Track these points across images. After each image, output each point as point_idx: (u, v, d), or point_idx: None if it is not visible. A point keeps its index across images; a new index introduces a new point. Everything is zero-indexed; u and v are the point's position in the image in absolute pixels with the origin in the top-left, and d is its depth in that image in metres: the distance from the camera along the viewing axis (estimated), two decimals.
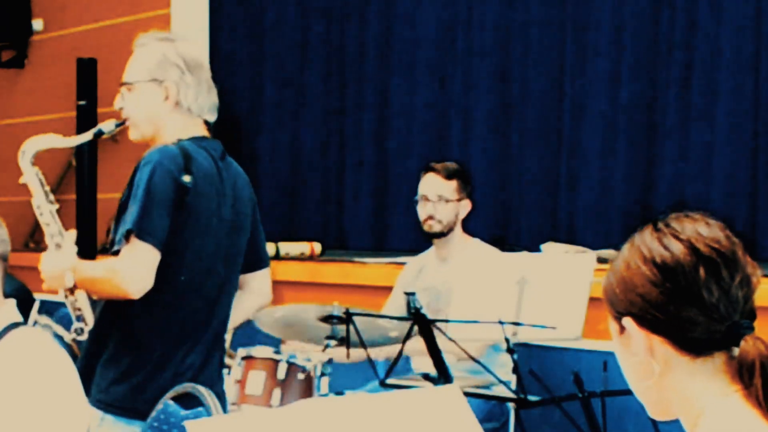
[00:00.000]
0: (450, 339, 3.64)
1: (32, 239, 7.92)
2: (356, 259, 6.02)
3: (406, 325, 3.71)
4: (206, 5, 7.60)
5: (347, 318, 3.81)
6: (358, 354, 4.12)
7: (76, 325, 3.38)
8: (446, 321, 3.86)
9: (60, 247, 3.31)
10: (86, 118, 6.96)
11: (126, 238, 3.12)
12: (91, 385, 3.22)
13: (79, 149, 7.02)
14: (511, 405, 4.02)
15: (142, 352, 3.23)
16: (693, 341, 1.65)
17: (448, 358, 3.76)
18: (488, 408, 4.41)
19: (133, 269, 3.13)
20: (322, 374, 4.08)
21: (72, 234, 3.32)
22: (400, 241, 6.57)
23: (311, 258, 6.34)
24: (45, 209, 3.38)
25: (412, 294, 3.71)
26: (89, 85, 7.21)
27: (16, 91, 8.77)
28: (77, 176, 7.38)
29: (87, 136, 3.53)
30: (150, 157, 3.20)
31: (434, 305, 4.52)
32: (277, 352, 4.19)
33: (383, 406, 1.85)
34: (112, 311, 3.25)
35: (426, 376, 3.76)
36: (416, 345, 3.97)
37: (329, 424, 1.78)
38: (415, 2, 6.68)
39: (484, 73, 6.36)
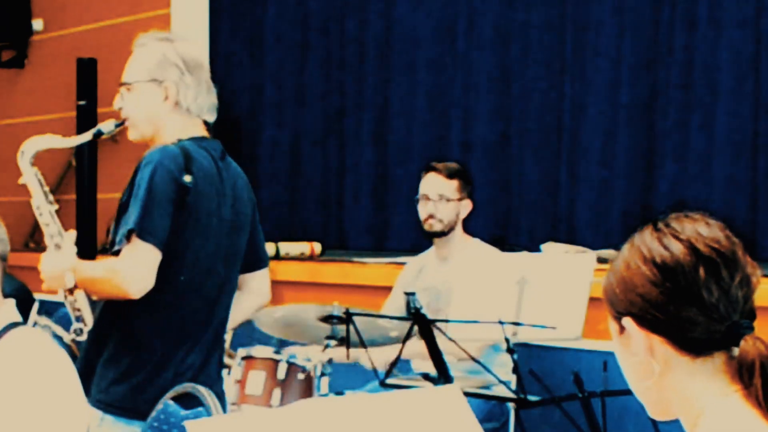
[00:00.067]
0: (450, 339, 3.64)
1: (32, 239, 7.92)
2: (356, 259, 6.02)
3: (406, 325, 3.71)
4: (206, 5, 7.60)
5: (347, 318, 3.81)
6: (357, 355, 4.12)
7: (75, 325, 3.37)
8: (446, 321, 3.86)
9: (59, 248, 3.31)
10: (86, 118, 6.96)
11: (127, 238, 3.12)
12: (91, 385, 3.22)
13: (79, 149, 7.02)
14: (511, 405, 4.02)
15: (142, 352, 3.23)
16: (693, 341, 1.65)
17: (448, 359, 3.76)
18: (488, 408, 4.41)
19: (134, 269, 3.13)
20: (322, 374, 4.07)
21: (72, 234, 3.32)
22: (400, 241, 6.57)
23: (311, 258, 6.34)
24: (44, 210, 3.38)
25: (413, 294, 3.70)
26: (89, 85, 7.21)
27: (16, 91, 8.77)
28: (77, 176, 7.38)
29: (86, 136, 3.53)
30: (151, 157, 3.20)
31: (434, 305, 4.52)
32: (277, 352, 4.19)
33: (383, 406, 1.85)
34: (112, 311, 3.24)
35: (426, 376, 3.76)
36: (416, 348, 3.97)
37: (329, 424, 1.78)
38: (415, 2, 6.68)
39: (484, 72, 6.36)
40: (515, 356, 3.62)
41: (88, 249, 6.49)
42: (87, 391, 3.06)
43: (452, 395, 1.91)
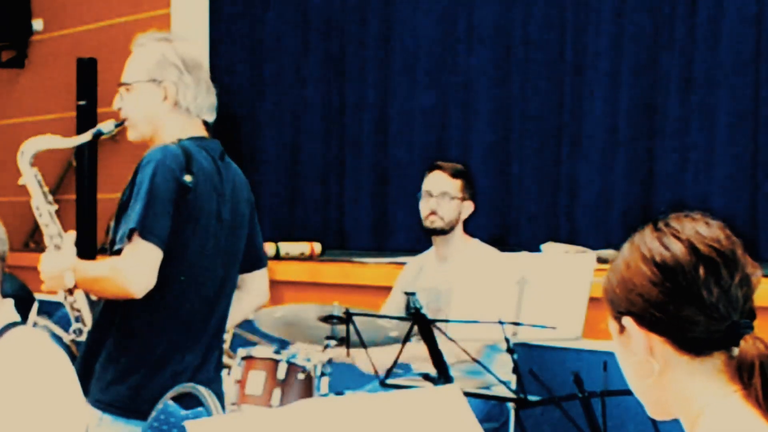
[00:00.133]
0: (450, 339, 3.64)
1: (32, 239, 7.93)
2: (356, 259, 6.02)
3: (406, 325, 3.70)
4: (206, 5, 7.60)
5: (347, 318, 3.81)
6: (356, 357, 4.13)
7: (74, 325, 3.37)
8: (446, 321, 3.86)
9: (59, 248, 3.31)
10: (86, 118, 6.96)
11: (128, 237, 3.12)
12: (90, 385, 3.22)
13: (79, 149, 7.02)
14: (511, 405, 4.01)
15: (141, 351, 3.23)
16: (693, 341, 1.65)
17: (447, 360, 3.75)
18: (488, 408, 4.41)
19: (136, 268, 3.13)
20: (322, 374, 4.08)
21: (72, 235, 3.31)
22: (400, 241, 6.57)
23: (311, 258, 6.34)
24: (44, 210, 3.38)
25: (413, 294, 3.70)
26: (89, 85, 7.21)
27: (16, 91, 8.77)
28: (77, 176, 7.38)
29: (86, 136, 3.53)
30: (152, 156, 3.20)
31: (434, 305, 4.52)
32: (277, 352, 4.19)
33: (383, 406, 1.84)
34: (111, 311, 3.24)
35: (426, 376, 3.75)
36: (416, 351, 3.97)
37: (329, 424, 1.78)
38: (416, 2, 6.68)
39: (483, 73, 6.36)
40: (515, 356, 3.62)
41: (88, 249, 6.49)
42: (86, 391, 3.06)
43: (452, 395, 1.91)
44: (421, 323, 3.64)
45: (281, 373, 4.09)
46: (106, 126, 3.44)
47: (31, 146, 3.41)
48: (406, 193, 5.99)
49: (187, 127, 3.33)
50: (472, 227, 4.87)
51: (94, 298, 3.34)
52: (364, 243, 6.82)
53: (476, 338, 4.07)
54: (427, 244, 4.91)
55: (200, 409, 2.87)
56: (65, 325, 3.61)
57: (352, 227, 6.95)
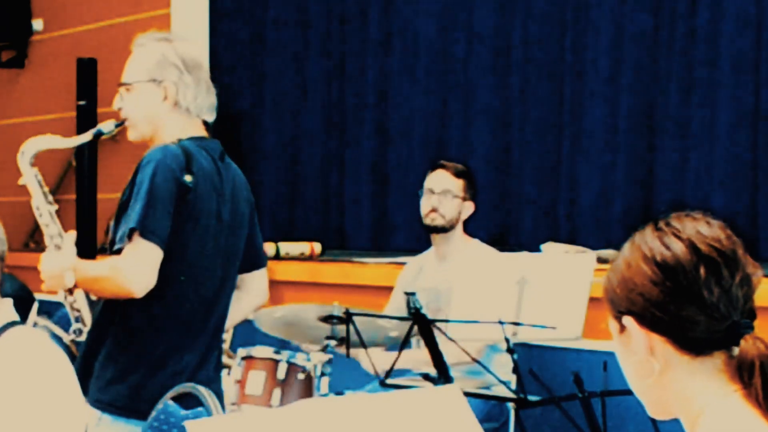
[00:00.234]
0: (450, 339, 3.64)
1: (32, 239, 7.93)
2: (356, 259, 6.02)
3: (406, 325, 3.70)
4: (206, 5, 7.60)
5: (347, 318, 3.81)
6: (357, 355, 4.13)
7: (74, 325, 3.37)
8: (446, 321, 3.86)
9: (59, 248, 3.31)
10: (86, 118, 6.96)
11: (129, 237, 3.12)
12: (89, 385, 3.22)
13: (79, 149, 7.02)
14: (511, 405, 4.01)
15: (141, 351, 3.23)
16: (693, 340, 1.65)
17: (447, 361, 3.75)
18: (488, 408, 4.41)
19: (137, 267, 3.13)
20: (322, 374, 4.07)
21: (71, 235, 3.31)
22: (400, 241, 6.57)
23: (311, 258, 6.34)
24: (44, 210, 3.38)
25: (413, 294, 3.70)
26: (89, 85, 7.21)
27: (16, 91, 8.77)
28: (77, 176, 7.38)
29: (86, 136, 3.53)
30: (152, 156, 3.20)
31: (434, 305, 4.52)
32: (277, 352, 4.19)
33: (383, 406, 1.84)
34: (111, 310, 3.24)
35: (426, 376, 3.75)
36: (416, 356, 3.97)
37: (329, 424, 1.78)
38: (416, 2, 6.68)
39: (484, 73, 6.36)
40: (515, 356, 3.62)
41: (88, 249, 6.49)
42: (85, 390, 3.06)
43: (452, 395, 1.90)
44: (421, 323, 3.64)
45: (281, 373, 4.09)
46: (107, 126, 3.44)
47: (31, 146, 3.41)
48: (406, 193, 5.99)
49: (187, 127, 3.33)
50: (472, 227, 4.87)
51: (93, 297, 3.34)
52: (364, 243, 6.82)
53: (476, 338, 4.07)
54: (426, 244, 4.91)
55: (200, 409, 2.87)
56: (65, 325, 3.61)
57: (352, 227, 6.95)
